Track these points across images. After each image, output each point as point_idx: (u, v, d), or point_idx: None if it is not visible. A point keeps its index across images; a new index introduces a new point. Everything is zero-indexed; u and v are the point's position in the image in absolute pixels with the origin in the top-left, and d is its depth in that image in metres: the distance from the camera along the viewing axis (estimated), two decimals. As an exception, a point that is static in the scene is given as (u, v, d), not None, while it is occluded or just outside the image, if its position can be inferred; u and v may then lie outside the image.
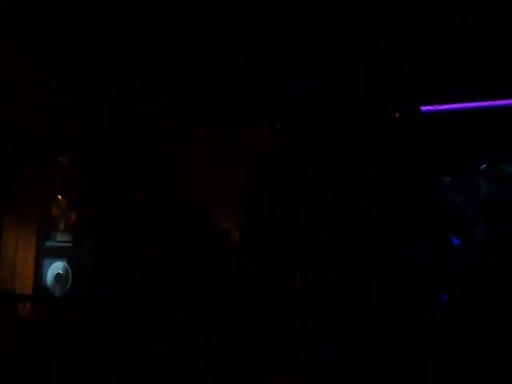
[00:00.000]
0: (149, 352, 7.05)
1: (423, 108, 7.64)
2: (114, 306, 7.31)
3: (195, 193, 7.92)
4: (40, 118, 7.02)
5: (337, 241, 7.69)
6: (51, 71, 6.98)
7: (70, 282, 7.39)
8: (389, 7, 6.34)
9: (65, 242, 7.48)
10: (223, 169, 7.99)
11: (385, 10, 6.40)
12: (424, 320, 7.12)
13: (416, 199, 7.54)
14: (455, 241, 7.44)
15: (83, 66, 7.28)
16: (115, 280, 7.46)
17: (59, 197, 7.47)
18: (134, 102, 7.76)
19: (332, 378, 6.92)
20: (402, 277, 7.31)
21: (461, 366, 6.61)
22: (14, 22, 6.37)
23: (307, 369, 7.01)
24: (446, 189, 7.57)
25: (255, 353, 7.21)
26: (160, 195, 7.86)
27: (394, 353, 6.90)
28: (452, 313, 7.09)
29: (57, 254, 7.40)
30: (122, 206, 7.63)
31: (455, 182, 7.56)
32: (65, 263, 7.41)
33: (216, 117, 8.00)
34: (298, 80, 7.64)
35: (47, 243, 7.33)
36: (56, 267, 7.34)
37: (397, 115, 7.63)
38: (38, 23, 6.51)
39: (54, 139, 7.23)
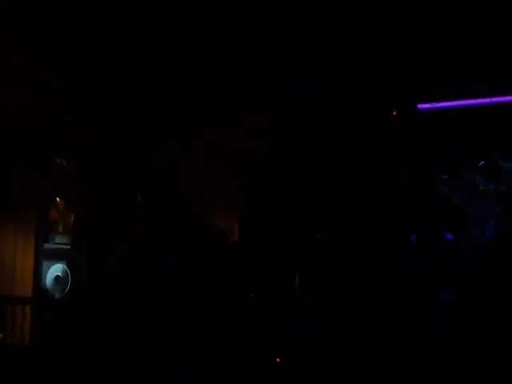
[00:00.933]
0: (147, 352, 7.03)
1: (421, 106, 7.65)
2: (113, 308, 7.29)
3: (193, 193, 7.91)
4: (38, 120, 7.01)
5: (335, 240, 7.69)
6: (51, 72, 6.96)
7: (69, 283, 7.37)
8: (388, 7, 6.36)
9: (64, 244, 7.46)
10: (221, 167, 7.98)
11: (384, 11, 6.42)
12: (424, 318, 7.13)
13: (414, 197, 7.55)
14: (449, 236, 7.46)
15: (83, 66, 7.27)
16: (114, 282, 7.43)
17: (57, 199, 7.45)
18: (133, 104, 7.76)
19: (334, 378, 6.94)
20: (398, 275, 7.32)
21: (461, 366, 6.64)
22: (13, 22, 6.35)
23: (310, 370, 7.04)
24: (445, 186, 7.58)
25: (255, 353, 7.21)
26: (158, 197, 7.85)
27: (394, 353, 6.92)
28: (451, 311, 7.10)
29: (56, 256, 7.39)
30: (120, 208, 7.62)
31: (453, 179, 7.57)
32: (64, 265, 7.40)
33: (214, 117, 7.99)
34: (297, 79, 7.64)
35: (46, 246, 7.31)
36: (55, 269, 7.33)
37: (394, 113, 7.64)
38: (37, 23, 6.48)
39: (52, 141, 7.22)
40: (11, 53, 6.57)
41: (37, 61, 6.83)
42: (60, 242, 7.46)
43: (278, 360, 7.29)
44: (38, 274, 7.21)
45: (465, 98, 7.50)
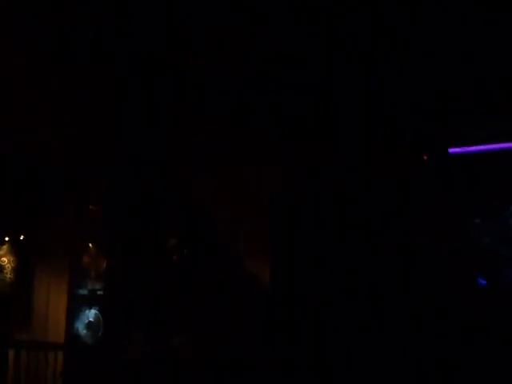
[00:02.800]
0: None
1: (451, 150, 7.64)
2: (145, 355, 7.29)
3: (223, 234, 7.95)
4: (73, 164, 7.13)
5: (360, 284, 7.67)
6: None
7: (101, 329, 7.40)
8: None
9: (96, 289, 7.51)
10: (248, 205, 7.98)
11: (413, 59, 6.50)
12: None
13: (445, 241, 7.51)
14: (482, 281, 7.39)
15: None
16: (146, 329, 7.46)
17: (90, 245, 7.52)
18: (161, 148, 7.81)
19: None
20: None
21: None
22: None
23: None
24: (477, 230, 7.53)
25: None
26: (189, 239, 7.90)
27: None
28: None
29: (88, 301, 7.44)
30: (152, 256, 7.67)
31: (486, 222, 7.52)
32: (96, 311, 7.43)
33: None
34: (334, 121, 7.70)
35: (78, 291, 7.37)
36: (87, 315, 7.37)
37: (425, 157, 7.64)
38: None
39: (86, 187, 7.32)
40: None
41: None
42: (92, 287, 7.51)
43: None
44: (71, 320, 7.26)
45: (496, 142, 7.48)
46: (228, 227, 7.97)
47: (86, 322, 7.36)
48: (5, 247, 7.08)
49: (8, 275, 7.05)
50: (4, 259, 7.04)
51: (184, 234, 7.93)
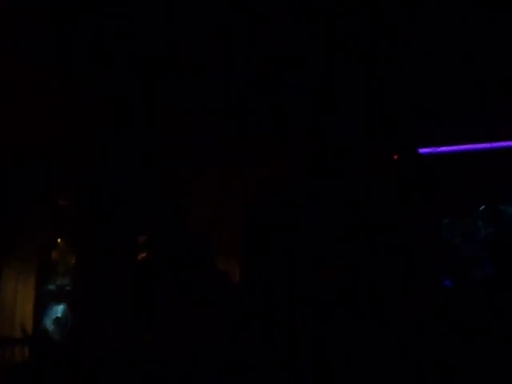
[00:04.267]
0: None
1: (421, 150, 7.66)
2: (114, 350, 7.28)
3: (196, 234, 7.92)
4: (40, 160, 7.08)
5: (336, 282, 7.66)
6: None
7: (69, 325, 7.38)
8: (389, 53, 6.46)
9: (64, 285, 7.50)
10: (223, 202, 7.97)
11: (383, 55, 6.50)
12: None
13: (414, 241, 7.52)
14: (447, 283, 7.41)
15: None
16: (115, 323, 7.44)
17: (59, 240, 7.50)
18: (133, 140, 7.77)
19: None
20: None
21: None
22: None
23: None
24: (445, 230, 7.55)
25: None
26: (161, 238, 7.87)
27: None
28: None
29: (56, 297, 7.42)
30: (123, 250, 7.64)
31: (455, 223, 7.54)
32: (64, 306, 7.42)
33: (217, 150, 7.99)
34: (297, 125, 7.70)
35: (47, 286, 7.35)
36: (55, 310, 7.35)
37: (395, 157, 7.65)
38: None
39: (53, 183, 7.29)
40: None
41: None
42: (61, 283, 7.49)
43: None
44: (38, 315, 7.25)
45: (466, 142, 7.51)
46: (203, 227, 7.96)
47: (54, 317, 7.34)
48: (-30, 242, 7.07)
49: (-26, 270, 7.05)
50: (-31, 254, 7.04)
51: (156, 230, 7.90)
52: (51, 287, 7.43)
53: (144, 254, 7.74)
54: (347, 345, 7.29)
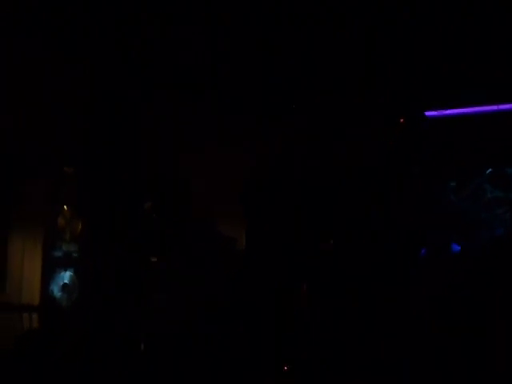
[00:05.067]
0: (151, 358, 7.06)
1: (428, 113, 7.59)
2: (121, 316, 7.32)
3: (198, 201, 7.93)
4: (43, 130, 7.05)
5: (340, 251, 7.67)
6: (54, 83, 6.97)
7: (76, 291, 7.42)
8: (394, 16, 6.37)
9: (71, 252, 7.52)
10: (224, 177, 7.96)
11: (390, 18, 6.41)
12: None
13: (421, 204, 7.50)
14: (456, 247, 7.40)
15: (85, 76, 7.25)
16: (122, 290, 7.47)
17: (65, 207, 7.51)
18: (136, 113, 7.76)
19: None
20: (404, 287, 7.27)
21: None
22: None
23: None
24: (452, 193, 7.52)
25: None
26: (164, 205, 7.88)
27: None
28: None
29: (63, 263, 7.45)
30: (128, 216, 7.65)
31: (461, 186, 7.51)
32: (71, 273, 7.45)
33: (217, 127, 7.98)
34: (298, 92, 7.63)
35: (53, 253, 7.38)
36: (62, 277, 7.39)
37: (402, 120, 7.59)
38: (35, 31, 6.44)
39: (58, 150, 7.27)
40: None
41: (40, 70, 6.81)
42: (67, 249, 7.51)
43: (285, 368, 7.29)
44: (46, 282, 7.28)
45: (472, 106, 7.43)
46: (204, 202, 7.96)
47: (61, 284, 7.38)
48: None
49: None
50: (-24, 222, 7.05)
51: (159, 199, 7.91)
52: (58, 254, 7.45)
53: (149, 220, 7.77)
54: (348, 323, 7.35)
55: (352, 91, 7.52)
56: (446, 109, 7.55)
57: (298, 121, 7.90)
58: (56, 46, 6.54)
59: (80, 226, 7.56)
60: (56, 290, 7.35)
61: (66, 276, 7.42)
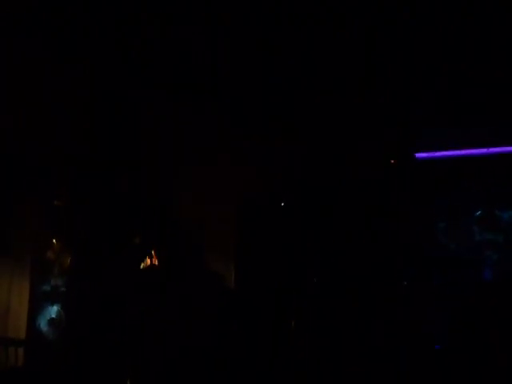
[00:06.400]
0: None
1: (418, 155, 7.71)
2: (108, 352, 7.21)
3: (189, 233, 7.88)
4: (36, 158, 7.00)
5: (331, 285, 7.68)
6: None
7: (63, 326, 7.31)
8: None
9: (59, 286, 7.42)
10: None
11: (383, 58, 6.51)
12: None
13: (410, 243, 7.57)
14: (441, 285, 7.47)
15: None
16: (110, 326, 7.37)
17: (54, 241, 7.43)
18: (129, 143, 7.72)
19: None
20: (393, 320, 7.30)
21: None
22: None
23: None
24: (441, 234, 7.61)
25: None
26: (154, 239, 7.83)
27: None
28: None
29: (51, 298, 7.34)
30: (118, 251, 7.59)
31: (451, 228, 7.60)
32: (59, 308, 7.35)
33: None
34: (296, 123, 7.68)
35: (41, 287, 7.27)
36: (50, 312, 7.28)
37: (393, 162, 7.70)
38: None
39: (49, 183, 7.22)
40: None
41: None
42: (55, 283, 7.41)
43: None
44: (33, 316, 7.17)
45: (462, 148, 7.56)
46: (193, 228, 7.91)
47: (49, 318, 7.27)
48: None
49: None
50: (-37, 254, 6.94)
51: (149, 232, 7.86)
52: (46, 288, 7.34)
53: (139, 255, 7.71)
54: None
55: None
56: (436, 151, 7.68)
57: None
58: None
59: (69, 260, 7.47)
60: (43, 324, 7.22)
61: (54, 310, 7.30)
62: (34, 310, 7.20)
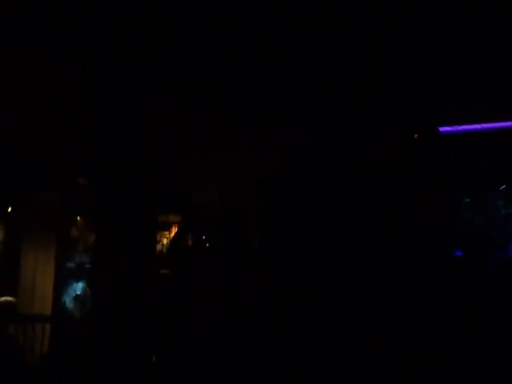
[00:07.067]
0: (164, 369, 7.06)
1: (442, 129, 7.57)
2: (132, 327, 7.32)
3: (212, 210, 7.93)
4: (59, 141, 7.06)
5: (346, 262, 7.63)
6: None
7: (88, 302, 7.43)
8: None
9: (84, 263, 7.53)
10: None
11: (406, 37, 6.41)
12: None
13: (434, 220, 7.48)
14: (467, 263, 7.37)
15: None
16: (134, 302, 7.47)
17: (78, 218, 7.53)
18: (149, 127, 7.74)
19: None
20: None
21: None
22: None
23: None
24: (466, 209, 7.50)
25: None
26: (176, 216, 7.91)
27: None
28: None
29: (76, 275, 7.46)
30: (141, 227, 7.65)
31: (475, 203, 7.49)
32: (84, 284, 7.46)
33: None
34: (312, 103, 7.60)
35: (66, 264, 7.39)
36: (75, 288, 7.40)
37: (416, 136, 7.58)
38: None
39: (73, 162, 7.29)
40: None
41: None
42: (80, 260, 7.52)
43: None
44: (58, 293, 7.29)
45: (487, 121, 7.41)
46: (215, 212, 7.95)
47: (74, 295, 7.39)
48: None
49: (-6, 248, 7.09)
50: (-10, 232, 7.08)
51: (173, 210, 7.93)
52: (71, 265, 7.47)
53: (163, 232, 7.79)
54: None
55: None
56: (460, 124, 7.54)
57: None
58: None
59: (93, 237, 7.57)
60: (68, 301, 7.35)
61: (79, 287, 7.42)
62: (60, 287, 7.32)
